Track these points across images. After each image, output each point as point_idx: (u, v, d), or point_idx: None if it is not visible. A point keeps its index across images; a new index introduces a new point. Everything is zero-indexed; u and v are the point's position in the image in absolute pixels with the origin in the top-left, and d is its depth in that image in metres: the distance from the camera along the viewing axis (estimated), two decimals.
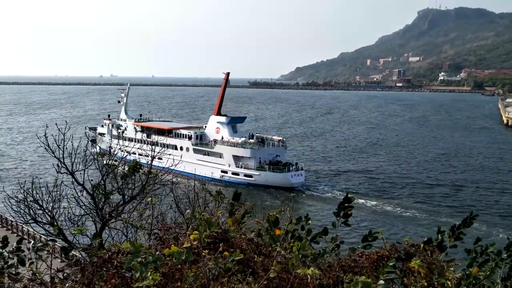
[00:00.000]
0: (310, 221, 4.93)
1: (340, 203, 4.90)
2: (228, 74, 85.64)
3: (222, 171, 72.06)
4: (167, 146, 69.23)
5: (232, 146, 72.27)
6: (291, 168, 68.09)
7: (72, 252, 4.61)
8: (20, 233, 40.73)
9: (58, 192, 9.99)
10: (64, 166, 10.29)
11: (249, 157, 70.13)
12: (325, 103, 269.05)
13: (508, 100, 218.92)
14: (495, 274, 4.52)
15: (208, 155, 74.59)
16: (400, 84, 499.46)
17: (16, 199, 10.02)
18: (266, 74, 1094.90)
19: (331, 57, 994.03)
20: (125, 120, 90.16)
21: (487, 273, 4.43)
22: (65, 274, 4.31)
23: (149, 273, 3.34)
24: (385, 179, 72.62)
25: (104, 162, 10.68)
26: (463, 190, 66.74)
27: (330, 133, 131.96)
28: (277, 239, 4.43)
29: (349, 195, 4.91)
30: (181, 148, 77.65)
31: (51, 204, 9.70)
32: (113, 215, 9.27)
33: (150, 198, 8.20)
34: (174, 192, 10.21)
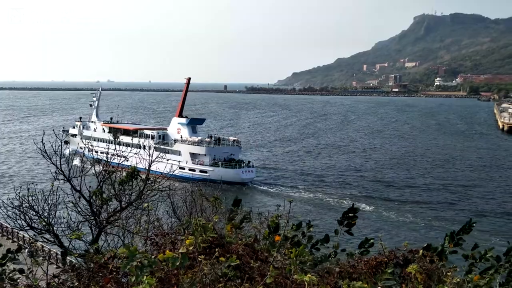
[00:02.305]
0: (312, 228, 4.93)
1: (344, 212, 4.91)
2: (189, 79, 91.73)
3: (180, 168, 75.24)
4: (132, 145, 74.09)
5: (189, 144, 78.70)
6: (242, 165, 74.56)
7: (68, 257, 4.58)
8: (15, 239, 40.63)
9: (55, 199, 9.93)
10: (62, 173, 10.24)
11: (205, 155, 76.73)
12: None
13: (503, 105, 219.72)
14: (495, 280, 4.52)
15: (168, 153, 78.32)
16: (397, 90, 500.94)
17: (11, 205, 9.94)
18: (263, 79, 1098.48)
19: (328, 62, 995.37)
20: (95, 122, 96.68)
21: (487, 280, 4.42)
22: (61, 280, 4.28)
23: (145, 277, 3.32)
24: (386, 185, 72.68)
25: (102, 168, 10.64)
26: (460, 195, 66.80)
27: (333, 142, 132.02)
28: (274, 244, 4.41)
29: (354, 206, 4.95)
30: (144, 147, 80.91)
31: (47, 210, 9.63)
32: (110, 221, 9.22)
33: (147, 204, 8.18)
34: (171, 198, 10.19)
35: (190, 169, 75.88)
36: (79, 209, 9.49)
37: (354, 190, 69.29)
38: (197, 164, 76.81)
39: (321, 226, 47.53)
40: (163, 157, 77.72)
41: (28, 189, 9.79)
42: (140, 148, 79.28)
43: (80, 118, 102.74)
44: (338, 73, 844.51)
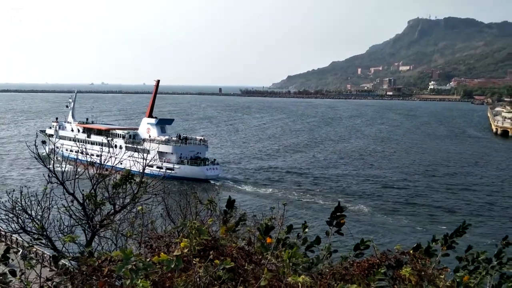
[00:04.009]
0: (307, 229, 4.92)
1: (332, 212, 4.88)
2: (158, 81, 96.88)
3: (149, 166, 77.20)
4: (103, 144, 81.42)
5: (157, 143, 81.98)
6: (207, 163, 79.50)
7: (62, 260, 4.57)
8: (8, 242, 40.41)
9: (48, 202, 9.90)
10: (55, 176, 10.21)
11: (171, 153, 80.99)
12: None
13: (497, 109, 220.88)
14: (486, 281, 4.54)
15: (138, 152, 79.89)
16: (391, 93, 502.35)
17: (4, 208, 9.91)
18: (257, 82, 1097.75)
19: (323, 65, 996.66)
20: (70, 123, 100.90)
21: (477, 281, 4.45)
22: (54, 283, 4.27)
23: (139, 281, 3.32)
24: (380, 186, 72.84)
25: (95, 171, 10.63)
26: (455, 197, 67.05)
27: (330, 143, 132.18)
28: (268, 247, 4.41)
29: (341, 204, 4.90)
30: (115, 146, 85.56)
31: (40, 213, 9.59)
32: (103, 224, 9.19)
33: (141, 207, 8.16)
34: (165, 201, 10.18)
35: (157, 167, 76.31)
36: (73, 212, 9.46)
37: (347, 192, 69.39)
38: (165, 162, 79.34)
39: (316, 227, 47.53)
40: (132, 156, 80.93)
41: (21, 192, 9.75)
42: (111, 147, 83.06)
43: (57, 118, 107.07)
44: (333, 76, 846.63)
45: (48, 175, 10.19)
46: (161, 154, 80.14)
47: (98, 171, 10.47)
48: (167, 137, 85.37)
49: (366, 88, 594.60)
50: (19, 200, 9.60)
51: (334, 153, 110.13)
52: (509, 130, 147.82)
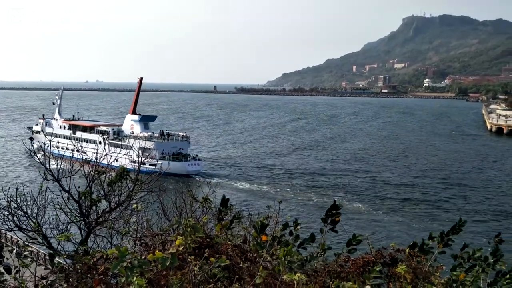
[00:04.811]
0: (299, 227, 4.92)
1: (327, 209, 4.89)
2: (141, 79, 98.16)
3: (131, 161, 79.62)
4: (89, 141, 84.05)
5: (140, 139, 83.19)
6: (188, 158, 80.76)
7: (57, 259, 4.56)
8: (3, 240, 40.22)
9: (43, 199, 9.85)
10: (50, 173, 10.16)
11: (154, 149, 79.92)
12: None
13: (491, 106, 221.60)
14: (482, 279, 4.55)
15: (122, 148, 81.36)
16: (386, 91, 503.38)
17: None
18: (252, 80, 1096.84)
19: (318, 63, 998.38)
20: (57, 119, 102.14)
21: (473, 278, 4.46)
22: (49, 281, 4.26)
23: (135, 278, 3.32)
24: (376, 184, 72.98)
25: (91, 168, 10.58)
26: (448, 195, 67.22)
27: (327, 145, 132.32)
28: (263, 245, 4.41)
29: (336, 202, 4.91)
30: (100, 142, 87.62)
31: (35, 211, 9.55)
32: (99, 222, 9.16)
33: (136, 205, 8.13)
34: (160, 199, 10.15)
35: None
36: (68, 210, 9.42)
37: (345, 190, 69.49)
38: (147, 158, 79.66)
39: (309, 225, 47.57)
40: (116, 152, 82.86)
41: (17, 189, 9.70)
42: (96, 143, 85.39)
43: (43, 115, 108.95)
44: (328, 74, 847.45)
45: (44, 172, 10.14)
46: (143, 150, 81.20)
47: (94, 169, 10.42)
48: (149, 133, 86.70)
49: (361, 85, 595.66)
50: (14, 197, 9.55)
51: (331, 151, 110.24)
52: (503, 127, 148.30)
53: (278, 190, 69.96)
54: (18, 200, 9.54)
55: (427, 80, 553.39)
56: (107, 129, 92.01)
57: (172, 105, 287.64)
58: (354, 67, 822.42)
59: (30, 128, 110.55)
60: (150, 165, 78.97)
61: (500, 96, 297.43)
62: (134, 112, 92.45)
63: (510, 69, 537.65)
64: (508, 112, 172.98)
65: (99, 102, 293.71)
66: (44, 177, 10.12)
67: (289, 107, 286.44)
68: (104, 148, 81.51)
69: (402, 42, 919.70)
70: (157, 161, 77.38)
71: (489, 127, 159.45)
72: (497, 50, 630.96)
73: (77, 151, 64.65)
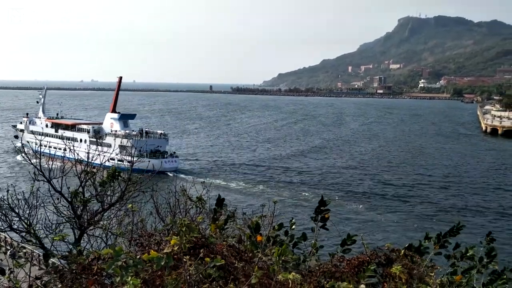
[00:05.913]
0: (294, 226, 4.90)
1: (316, 207, 4.86)
2: (120, 78, 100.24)
3: (110, 159, 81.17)
4: (70, 138, 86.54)
5: (118, 137, 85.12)
6: (165, 156, 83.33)
7: (51, 259, 4.54)
8: None
9: (35, 200, 9.78)
10: (41, 173, 10.07)
11: (132, 146, 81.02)
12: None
13: (486, 107, 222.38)
14: (477, 279, 4.56)
15: (101, 146, 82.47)
16: (381, 91, 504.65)
17: None
18: (248, 80, 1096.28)
19: (313, 63, 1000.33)
20: (40, 118, 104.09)
21: (468, 279, 4.47)
22: (43, 282, 4.24)
23: (129, 278, 3.30)
24: (373, 184, 73.11)
25: (83, 169, 10.50)
26: (445, 195, 67.41)
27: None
28: (258, 245, 4.40)
29: (324, 198, 4.87)
30: (81, 140, 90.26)
31: (27, 212, 9.48)
32: (92, 222, 9.10)
33: (131, 205, 8.10)
34: (154, 199, 10.09)
35: (119, 160, 78.24)
36: (60, 210, 9.36)
37: (339, 189, 69.58)
38: (125, 155, 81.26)
39: (305, 225, 47.51)
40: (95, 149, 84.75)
41: (8, 190, 9.64)
42: (77, 141, 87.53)
43: (27, 114, 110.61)
44: (324, 74, 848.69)
45: (34, 173, 10.05)
46: (122, 147, 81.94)
47: (86, 169, 10.36)
48: (128, 131, 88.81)
49: (356, 86, 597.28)
50: (6, 198, 9.48)
51: (328, 151, 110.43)
52: (498, 128, 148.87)
53: (273, 189, 70.01)
54: (10, 200, 9.46)
55: (422, 81, 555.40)
56: (87, 127, 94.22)
57: (167, 105, 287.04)
58: (350, 68, 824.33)
59: (14, 126, 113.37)
60: (128, 162, 79.92)
61: (494, 97, 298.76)
62: (114, 111, 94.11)
63: (505, 70, 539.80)
64: (502, 113, 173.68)
65: (93, 102, 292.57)
66: (34, 177, 10.02)
67: (286, 108, 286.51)
68: (87, 146, 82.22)
69: (397, 42, 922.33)
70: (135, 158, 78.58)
71: (484, 128, 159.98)
72: (492, 51, 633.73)
73: (59, 149, 64.96)
